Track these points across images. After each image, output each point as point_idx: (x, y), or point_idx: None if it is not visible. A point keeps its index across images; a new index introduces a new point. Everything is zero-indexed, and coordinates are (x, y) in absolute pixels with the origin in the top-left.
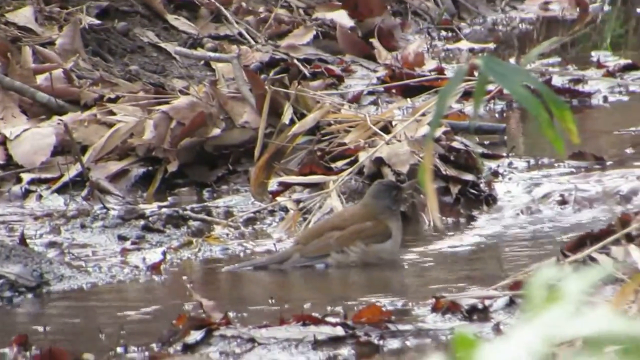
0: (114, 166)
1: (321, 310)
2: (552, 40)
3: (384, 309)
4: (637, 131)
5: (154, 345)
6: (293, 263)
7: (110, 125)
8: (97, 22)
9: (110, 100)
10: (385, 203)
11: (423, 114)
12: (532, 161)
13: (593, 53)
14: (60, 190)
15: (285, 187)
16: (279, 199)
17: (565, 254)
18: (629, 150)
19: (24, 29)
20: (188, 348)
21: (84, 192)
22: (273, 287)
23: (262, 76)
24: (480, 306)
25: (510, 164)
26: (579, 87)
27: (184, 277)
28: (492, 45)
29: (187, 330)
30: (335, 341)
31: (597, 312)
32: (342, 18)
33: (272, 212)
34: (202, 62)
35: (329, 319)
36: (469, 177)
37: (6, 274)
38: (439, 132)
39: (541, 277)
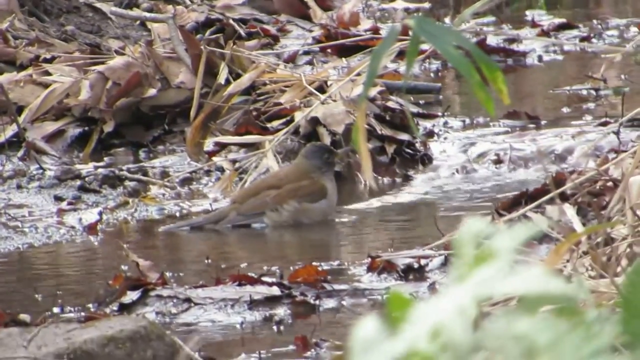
0: (50, 126)
1: (257, 271)
2: None
3: (319, 268)
4: (572, 90)
5: (90, 305)
6: (229, 222)
7: (46, 85)
8: None
9: (46, 61)
10: (316, 163)
11: (358, 74)
12: (468, 120)
13: (528, 12)
14: None
15: (221, 147)
16: (215, 159)
17: (501, 213)
18: (563, 110)
19: None
20: (124, 308)
21: (20, 153)
22: (209, 248)
23: (198, 36)
24: (415, 266)
25: (445, 123)
26: (514, 47)
27: (120, 238)
28: (427, 5)
29: (123, 290)
30: (271, 301)
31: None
32: None
33: (208, 172)
34: (138, 22)
35: (265, 279)
36: (405, 136)
37: None
38: (373, 92)
39: (470, 231)
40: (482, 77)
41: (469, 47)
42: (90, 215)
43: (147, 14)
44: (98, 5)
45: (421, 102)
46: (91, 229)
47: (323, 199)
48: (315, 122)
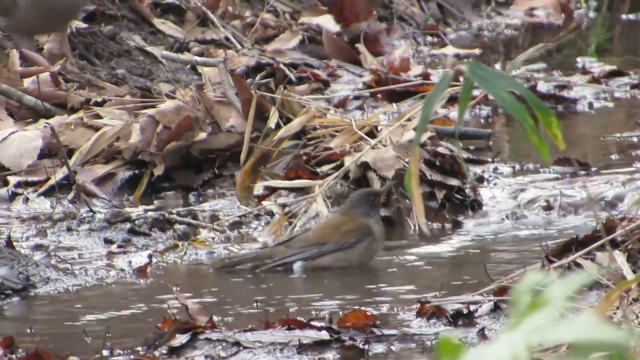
0: (101, 169)
1: (306, 315)
2: (538, 46)
3: (369, 313)
4: (622, 137)
5: (139, 348)
6: (276, 257)
7: (96, 128)
8: (84, 25)
9: (97, 104)
10: (363, 210)
11: (408, 119)
12: (517, 166)
13: (578, 59)
14: (46, 193)
15: (271, 191)
16: (264, 203)
17: (550, 260)
18: (613, 156)
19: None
20: (173, 351)
21: (71, 195)
22: (258, 291)
23: (248, 80)
24: (465, 311)
25: (495, 169)
26: (564, 93)
27: (170, 281)
28: (477, 51)
29: (172, 333)
30: (320, 345)
31: (582, 318)
32: (328, 23)
33: (257, 216)
34: (189, 66)
35: (314, 323)
36: (455, 182)
37: None
38: (424, 137)
39: (526, 282)
40: (535, 123)
41: (522, 92)
42: (139, 258)
43: (198, 58)
44: (149, 49)
45: (471, 147)
46: (141, 271)
47: (367, 237)
48: (365, 167)
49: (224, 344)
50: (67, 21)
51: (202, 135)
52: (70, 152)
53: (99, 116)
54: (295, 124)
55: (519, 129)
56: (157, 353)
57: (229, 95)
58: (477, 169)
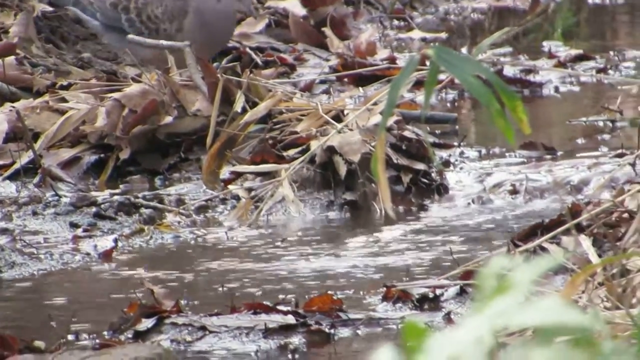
0: (66, 153)
1: (273, 299)
2: (504, 30)
3: (334, 297)
4: (588, 121)
5: (104, 332)
6: None
7: (62, 112)
8: (50, 9)
9: (63, 88)
10: None
11: (375, 103)
12: (484, 151)
13: (544, 43)
14: (12, 177)
15: (237, 175)
16: (230, 187)
17: (516, 244)
18: (580, 141)
19: None
20: (139, 335)
21: (36, 179)
22: (225, 275)
23: (215, 64)
24: (431, 295)
25: (461, 153)
26: (530, 77)
27: (136, 265)
28: (444, 35)
29: (138, 317)
30: (286, 329)
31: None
32: (294, 6)
33: (223, 200)
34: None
35: (280, 307)
36: (421, 166)
37: None
38: (390, 121)
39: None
40: (501, 107)
41: (488, 76)
42: (105, 242)
43: (164, 42)
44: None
45: (437, 132)
46: (106, 255)
47: None
48: (331, 151)
49: (189, 329)
50: (217, 51)
51: (168, 119)
52: (36, 136)
53: (64, 100)
54: (262, 108)
55: (485, 113)
56: (122, 337)
57: (195, 79)
58: (443, 153)
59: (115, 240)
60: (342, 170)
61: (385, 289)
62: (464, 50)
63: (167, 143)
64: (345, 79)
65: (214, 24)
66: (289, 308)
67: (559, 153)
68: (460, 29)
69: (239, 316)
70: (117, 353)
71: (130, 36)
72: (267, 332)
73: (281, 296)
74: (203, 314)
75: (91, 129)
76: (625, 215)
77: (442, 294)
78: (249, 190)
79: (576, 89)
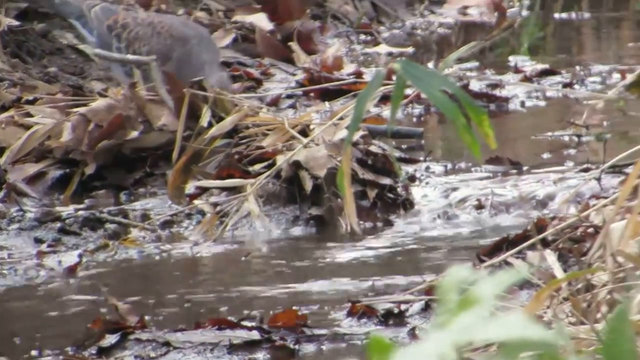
0: (31, 168)
1: (237, 314)
2: (470, 44)
3: (299, 313)
4: (554, 136)
5: (68, 348)
6: None
7: (28, 127)
8: (17, 23)
9: (29, 102)
10: None
11: (341, 118)
12: (450, 165)
13: (511, 58)
14: None
15: (203, 190)
16: (196, 202)
17: (482, 259)
18: (545, 155)
19: None
20: (103, 351)
21: (1, 194)
22: (190, 290)
23: None
24: (396, 311)
25: (427, 168)
26: (497, 92)
27: (100, 280)
28: (410, 49)
29: (102, 333)
30: (250, 345)
31: (512, 317)
32: (261, 21)
33: (189, 215)
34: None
35: (245, 323)
36: (387, 181)
37: None
38: (356, 136)
39: (456, 280)
40: (467, 121)
41: (455, 91)
42: (70, 258)
43: (130, 57)
44: (81, 47)
45: (403, 146)
46: (71, 271)
47: None
48: (297, 165)
49: (153, 344)
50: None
51: (134, 134)
52: (1, 151)
53: (30, 115)
54: (228, 123)
55: (451, 128)
56: (86, 353)
57: (161, 94)
58: (409, 168)
59: (80, 256)
60: (308, 185)
61: (350, 304)
62: (430, 64)
63: (132, 158)
64: (312, 94)
65: (193, 75)
66: (253, 324)
67: (525, 168)
68: (427, 44)
69: (204, 332)
70: None
71: (97, 50)
72: (232, 348)
73: (246, 312)
74: (167, 330)
75: (57, 143)
76: (591, 230)
77: (407, 310)
78: (215, 205)
79: (542, 103)
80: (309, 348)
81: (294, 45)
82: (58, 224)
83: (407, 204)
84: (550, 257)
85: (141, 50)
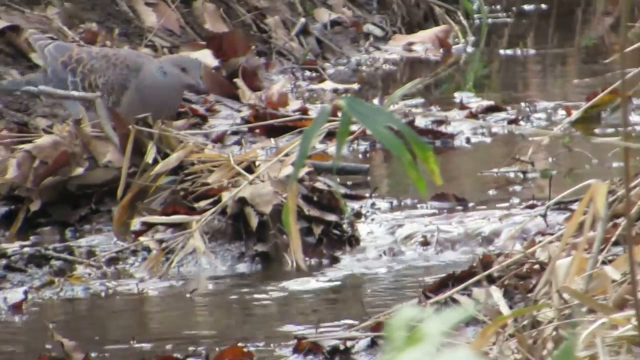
0: None
1: (183, 351)
2: (416, 81)
3: (245, 349)
4: (500, 172)
5: None
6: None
7: None
8: None
9: None
10: None
11: (287, 154)
12: (395, 202)
13: (456, 94)
14: None
15: (148, 226)
16: (141, 238)
17: (427, 295)
18: (491, 192)
19: None
20: None
21: None
22: (136, 327)
23: None
24: (342, 347)
25: (373, 204)
26: (442, 128)
27: (46, 317)
28: (356, 86)
29: None
30: None
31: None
32: (206, 57)
33: (134, 252)
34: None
35: None
36: (332, 217)
37: None
38: (302, 173)
39: (402, 317)
40: (413, 158)
41: (400, 127)
42: (15, 295)
43: (75, 93)
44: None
45: (349, 183)
46: (16, 308)
47: None
48: (242, 202)
49: None
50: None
51: (79, 170)
52: None
53: None
54: (173, 159)
55: (397, 164)
56: None
57: (107, 130)
58: (355, 205)
59: (25, 293)
60: (254, 221)
61: (296, 340)
62: (375, 101)
63: (78, 194)
64: (257, 130)
65: (157, 99)
66: None
67: (471, 204)
68: (372, 80)
69: None
70: None
71: (42, 87)
72: None
73: (191, 348)
74: None
75: (2, 180)
76: (536, 266)
77: (353, 346)
78: (160, 241)
79: (488, 139)
80: None
81: (239, 81)
82: (3, 261)
83: (352, 241)
84: (496, 293)
85: (97, 82)
